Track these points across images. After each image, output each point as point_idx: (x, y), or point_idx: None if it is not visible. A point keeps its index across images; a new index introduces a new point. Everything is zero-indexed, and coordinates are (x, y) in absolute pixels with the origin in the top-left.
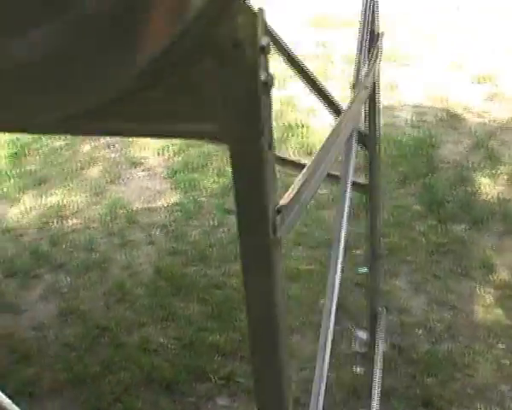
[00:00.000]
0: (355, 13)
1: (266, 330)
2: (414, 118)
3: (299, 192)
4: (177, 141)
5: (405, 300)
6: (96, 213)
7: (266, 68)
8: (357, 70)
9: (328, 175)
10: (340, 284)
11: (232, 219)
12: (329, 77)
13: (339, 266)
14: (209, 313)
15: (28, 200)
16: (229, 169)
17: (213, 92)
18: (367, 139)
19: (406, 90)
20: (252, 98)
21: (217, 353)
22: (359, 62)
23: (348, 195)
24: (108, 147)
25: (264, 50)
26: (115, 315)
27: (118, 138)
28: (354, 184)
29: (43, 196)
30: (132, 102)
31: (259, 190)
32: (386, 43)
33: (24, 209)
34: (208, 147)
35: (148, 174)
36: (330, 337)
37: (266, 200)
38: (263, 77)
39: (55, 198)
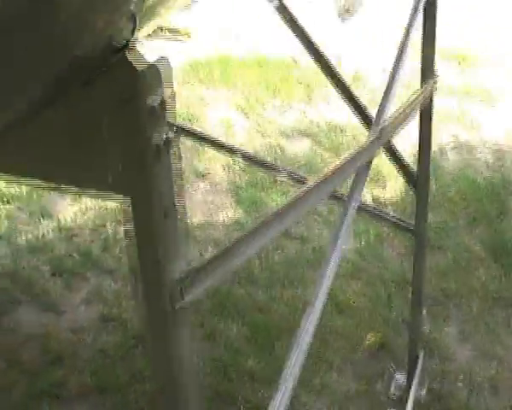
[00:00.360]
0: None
1: (171, 400)
2: (492, 160)
3: (221, 256)
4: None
5: (452, 347)
6: None
7: (160, 129)
8: (381, 110)
9: (380, 216)
10: (388, 321)
11: (288, 244)
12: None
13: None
14: (249, 336)
15: (87, 200)
16: (293, 191)
17: (105, 148)
18: (416, 180)
19: (488, 129)
20: (141, 160)
21: (250, 379)
22: (385, 100)
23: (349, 218)
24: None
25: (155, 110)
26: None
27: (187, 147)
28: (401, 225)
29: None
30: (16, 143)
31: (153, 256)
32: (472, 79)
33: (82, 209)
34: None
35: (211, 188)
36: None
37: (160, 267)
38: (155, 139)
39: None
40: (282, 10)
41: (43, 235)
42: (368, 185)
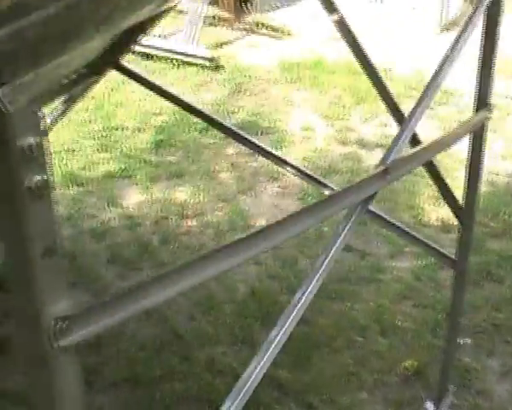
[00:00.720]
0: None
1: None
2: None
3: (112, 299)
4: (319, 162)
5: (490, 382)
6: (216, 219)
7: (32, 172)
8: (394, 146)
9: (423, 243)
10: (429, 347)
11: (346, 257)
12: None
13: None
14: (286, 346)
15: (156, 191)
16: None
17: None
18: (461, 211)
19: None
20: (12, 203)
21: (277, 388)
22: (401, 136)
23: (349, 225)
24: (252, 155)
25: (26, 153)
26: (195, 326)
27: None
28: (444, 256)
29: (172, 191)
30: None
31: (31, 297)
32: None
33: (149, 200)
34: (346, 178)
35: (280, 192)
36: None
37: (38, 307)
38: (26, 182)
39: (182, 195)
40: (341, 24)
41: (107, 221)
42: (435, 205)
